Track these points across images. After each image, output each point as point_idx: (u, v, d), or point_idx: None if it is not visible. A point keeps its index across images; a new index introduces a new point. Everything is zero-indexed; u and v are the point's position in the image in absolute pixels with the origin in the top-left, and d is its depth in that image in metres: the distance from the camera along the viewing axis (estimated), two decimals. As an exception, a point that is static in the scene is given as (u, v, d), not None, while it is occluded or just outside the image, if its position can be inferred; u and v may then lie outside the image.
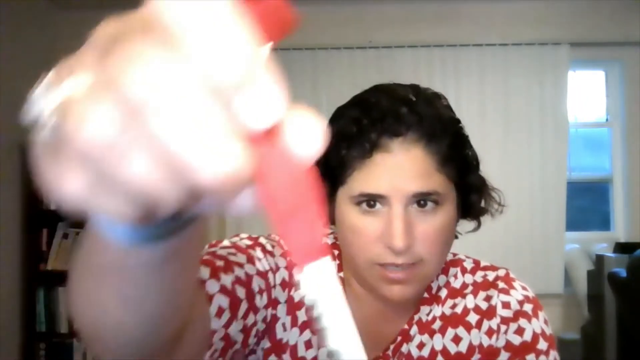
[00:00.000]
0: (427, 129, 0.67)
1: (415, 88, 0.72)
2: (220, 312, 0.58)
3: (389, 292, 0.68)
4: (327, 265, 0.23)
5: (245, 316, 0.62)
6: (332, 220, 0.75)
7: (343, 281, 0.76)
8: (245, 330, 0.63)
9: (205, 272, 0.59)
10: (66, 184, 0.22)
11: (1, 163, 2.79)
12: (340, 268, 0.77)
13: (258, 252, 0.69)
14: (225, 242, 0.68)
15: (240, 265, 0.64)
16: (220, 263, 0.62)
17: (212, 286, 0.59)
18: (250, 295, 0.64)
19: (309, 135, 0.23)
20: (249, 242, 0.70)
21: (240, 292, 0.62)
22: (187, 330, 0.49)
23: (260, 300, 0.66)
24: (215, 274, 0.60)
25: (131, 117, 0.20)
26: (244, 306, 0.62)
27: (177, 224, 0.30)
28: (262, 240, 0.72)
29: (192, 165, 0.20)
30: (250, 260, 0.66)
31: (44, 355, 2.93)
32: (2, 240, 2.79)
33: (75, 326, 0.42)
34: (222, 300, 0.59)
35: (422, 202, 0.67)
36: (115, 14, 0.24)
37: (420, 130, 0.67)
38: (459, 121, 0.73)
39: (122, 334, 0.39)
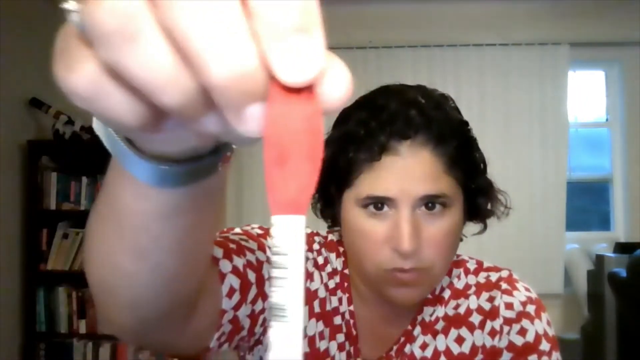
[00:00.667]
0: (435, 132, 0.67)
1: (423, 90, 0.72)
2: (231, 292, 0.59)
3: (396, 295, 0.68)
4: (300, 224, 0.21)
5: (254, 301, 0.63)
6: (337, 222, 0.75)
7: (348, 278, 0.76)
8: (253, 317, 0.64)
9: (218, 251, 0.60)
10: (76, 73, 0.21)
11: (1, 163, 2.79)
12: (345, 265, 0.77)
13: (269, 241, 0.69)
14: (237, 230, 0.69)
15: (252, 251, 0.65)
16: (233, 246, 0.62)
17: (225, 265, 0.59)
18: (260, 281, 0.64)
19: (336, 84, 0.22)
20: (260, 232, 0.71)
21: (251, 276, 0.62)
22: (201, 302, 0.50)
23: (269, 288, 0.66)
24: (228, 254, 0.60)
25: (149, 2, 0.20)
26: (253, 291, 0.62)
27: (193, 167, 0.30)
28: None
29: (205, 57, 0.20)
30: (261, 247, 0.67)
31: (44, 355, 2.93)
32: (2, 240, 2.79)
33: (88, 282, 0.42)
34: (233, 281, 0.59)
35: (429, 204, 0.67)
36: None
37: (428, 133, 0.66)
38: (467, 123, 0.73)
39: (135, 288, 0.39)
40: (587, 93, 3.59)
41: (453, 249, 0.70)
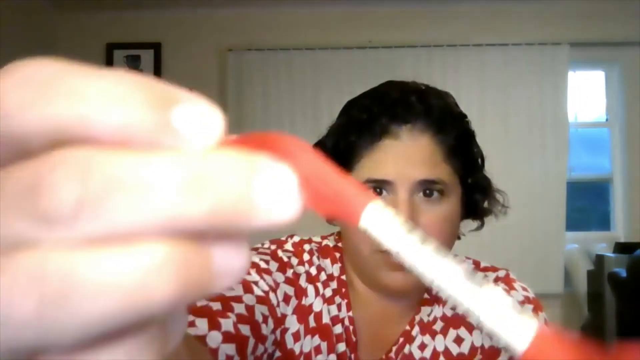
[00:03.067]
0: (435, 119, 0.68)
1: (425, 84, 0.74)
2: None
3: (391, 279, 0.68)
4: (380, 207, 0.18)
5: (254, 350, 0.61)
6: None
7: (346, 284, 0.76)
8: None
9: (203, 324, 0.56)
10: None
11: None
12: (342, 271, 0.77)
13: (253, 275, 0.67)
14: None
15: (239, 300, 0.62)
16: (217, 306, 0.59)
17: (215, 338, 0.56)
18: (256, 329, 0.62)
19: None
20: None
21: (245, 329, 0.60)
22: None
23: (267, 328, 0.64)
24: (214, 323, 0.57)
25: None
26: (251, 342, 0.61)
27: None
28: (254, 258, 0.69)
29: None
30: (248, 288, 0.64)
31: (44, 356, 2.93)
32: (2, 240, 2.79)
33: None
34: (228, 349, 0.57)
35: (427, 191, 0.68)
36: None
37: (428, 119, 0.68)
38: (466, 116, 0.75)
39: None
40: (587, 93, 3.59)
41: (450, 238, 0.71)
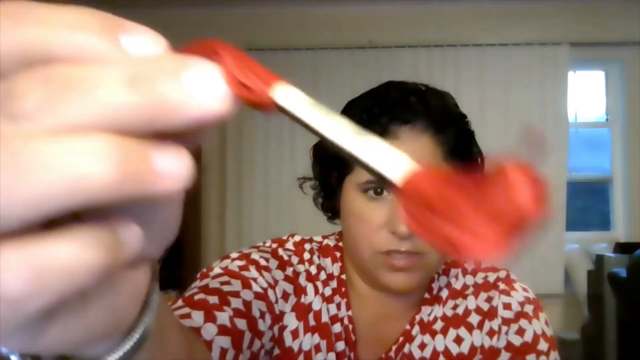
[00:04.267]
0: (435, 119, 0.68)
1: (425, 85, 0.75)
2: (223, 354, 0.56)
3: (392, 279, 0.69)
4: (291, 87, 0.21)
5: (250, 345, 0.61)
6: (337, 214, 0.76)
7: (346, 283, 0.76)
8: (253, 356, 0.62)
9: (198, 317, 0.56)
10: None
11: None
12: (342, 270, 0.77)
13: (253, 272, 0.67)
14: (217, 270, 0.66)
15: (236, 295, 0.62)
16: (214, 300, 0.60)
17: (209, 330, 0.56)
18: (252, 324, 0.62)
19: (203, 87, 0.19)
20: (241, 263, 0.68)
21: (241, 324, 0.60)
22: None
23: (264, 324, 0.64)
24: (210, 315, 0.57)
25: None
26: (247, 337, 0.61)
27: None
28: (254, 255, 0.70)
29: None
30: (246, 284, 0.64)
31: (43, 356, 2.93)
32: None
33: None
34: (222, 342, 0.57)
35: None
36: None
37: (428, 119, 0.68)
38: (465, 116, 0.75)
39: None
40: (587, 93, 3.59)
41: None
